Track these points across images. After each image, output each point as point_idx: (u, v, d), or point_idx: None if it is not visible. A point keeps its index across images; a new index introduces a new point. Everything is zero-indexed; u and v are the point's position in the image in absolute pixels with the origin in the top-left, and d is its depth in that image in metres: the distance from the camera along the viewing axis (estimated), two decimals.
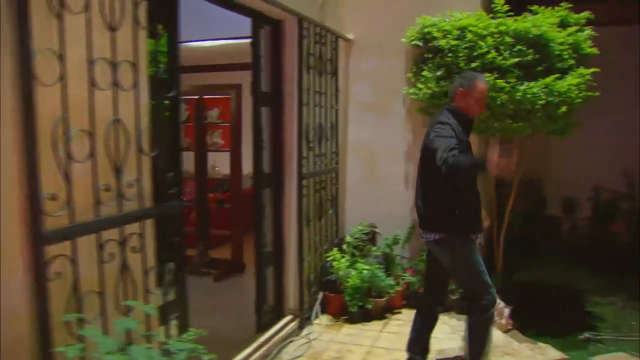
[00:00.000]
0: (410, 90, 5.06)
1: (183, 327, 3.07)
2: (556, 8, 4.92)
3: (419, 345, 3.88)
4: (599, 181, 7.80)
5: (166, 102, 2.94)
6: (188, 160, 6.55)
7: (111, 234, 2.45)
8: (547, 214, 8.08)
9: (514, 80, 4.50)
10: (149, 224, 2.73)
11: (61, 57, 2.15)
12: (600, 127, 7.44)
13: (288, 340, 4.43)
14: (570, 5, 4.94)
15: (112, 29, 2.41)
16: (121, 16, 2.46)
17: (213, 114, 6.41)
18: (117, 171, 2.47)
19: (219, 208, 6.53)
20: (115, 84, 2.44)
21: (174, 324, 3.05)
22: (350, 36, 5.52)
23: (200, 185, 6.51)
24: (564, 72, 4.66)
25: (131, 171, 2.56)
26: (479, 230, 3.65)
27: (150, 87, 2.71)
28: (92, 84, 2.31)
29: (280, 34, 4.49)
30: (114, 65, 2.42)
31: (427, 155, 3.42)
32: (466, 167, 3.13)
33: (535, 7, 4.96)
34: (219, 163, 6.57)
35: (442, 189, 3.46)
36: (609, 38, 7.15)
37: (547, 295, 5.76)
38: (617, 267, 6.54)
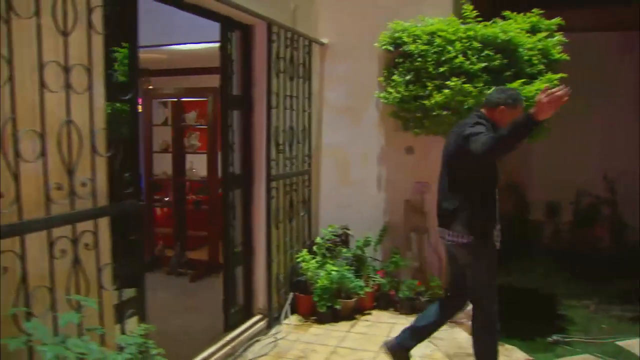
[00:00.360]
0: (381, 94, 5.14)
1: (142, 324, 3.14)
2: (528, 14, 5.02)
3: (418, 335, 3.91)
4: (582, 186, 7.92)
5: (124, 104, 3.01)
6: (167, 162, 6.65)
7: (64, 231, 2.52)
8: (530, 218, 8.19)
9: (481, 84, 4.57)
10: (104, 222, 2.80)
11: (9, 61, 2.22)
12: (584, 132, 7.58)
13: (255, 339, 4.50)
14: (542, 12, 5.03)
15: (65, 33, 2.49)
16: (75, 21, 2.54)
17: (191, 116, 6.49)
18: (70, 171, 2.55)
19: (196, 209, 6.61)
20: (68, 87, 2.52)
21: (132, 320, 3.11)
22: (324, 40, 5.60)
23: (178, 186, 6.59)
24: (533, 77, 4.73)
25: (85, 171, 2.64)
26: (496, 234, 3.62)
27: (106, 90, 2.79)
28: (43, 86, 2.39)
29: (250, 39, 4.57)
30: (66, 69, 2.50)
31: (454, 159, 3.53)
32: (508, 134, 3.01)
33: (507, 13, 5.04)
34: (197, 165, 6.64)
35: (468, 192, 3.47)
36: (593, 44, 7.34)
37: (522, 298, 5.84)
38: (596, 271, 6.65)
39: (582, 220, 8.10)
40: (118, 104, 3.10)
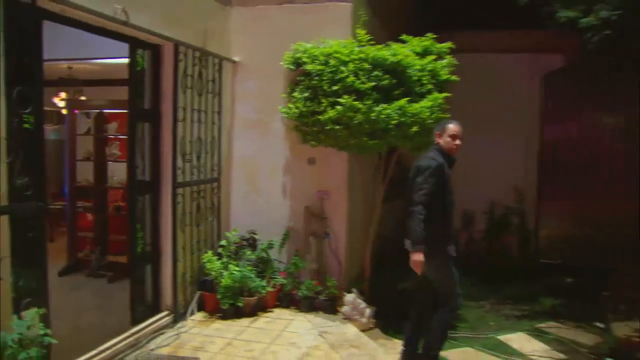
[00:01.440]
0: (284, 109, 5.61)
1: (44, 317, 3.48)
2: (422, 38, 5.57)
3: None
4: (495, 196, 8.53)
5: (28, 116, 3.38)
6: (90, 170, 6.98)
7: None
8: None
9: (370, 102, 5.04)
10: (4, 220, 3.17)
11: None
12: (497, 146, 8.19)
13: (159, 333, 4.89)
14: (435, 36, 5.59)
15: None
16: None
17: (112, 127, 6.83)
18: None
19: (116, 214, 6.93)
20: None
21: (32, 312, 3.44)
22: (236, 58, 6.05)
23: (100, 193, 6.91)
24: (422, 96, 5.26)
25: None
26: (452, 244, 4.37)
27: (7, 103, 3.17)
28: None
29: (159, 57, 4.98)
30: None
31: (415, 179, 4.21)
32: (413, 229, 4.02)
33: (404, 37, 5.59)
34: (117, 173, 6.97)
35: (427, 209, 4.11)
36: (505, 64, 7.99)
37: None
38: (499, 276, 7.25)
39: (493, 229, 8.72)
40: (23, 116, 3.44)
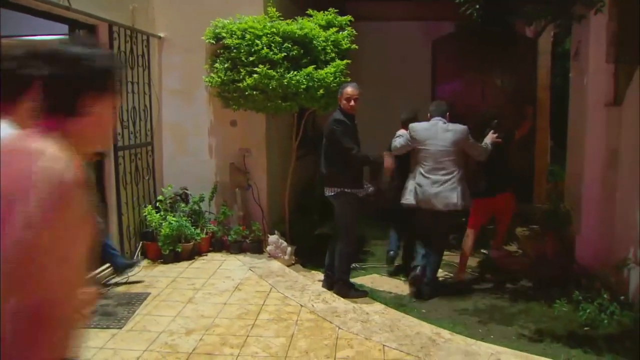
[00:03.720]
0: (207, 79, 6.36)
1: None
2: (326, 12, 6.41)
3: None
4: None
5: None
6: None
7: None
8: None
9: (282, 70, 5.86)
10: None
11: None
12: (397, 104, 9.08)
13: (110, 278, 5.63)
14: (337, 10, 6.45)
15: None
16: None
17: None
18: None
19: None
20: None
21: None
22: (161, 34, 6.72)
23: None
24: (327, 63, 6.11)
25: None
26: (362, 188, 5.40)
27: None
28: None
29: (95, 36, 5.61)
30: None
31: (331, 138, 5.29)
32: (361, 160, 5.34)
33: (310, 11, 6.44)
34: None
35: (337, 159, 5.28)
36: (402, 31, 8.87)
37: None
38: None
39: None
40: None
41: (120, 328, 4.46)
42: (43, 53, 1.44)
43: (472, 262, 6.40)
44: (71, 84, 1.43)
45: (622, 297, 4.76)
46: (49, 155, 1.30)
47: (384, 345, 4.17)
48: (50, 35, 6.66)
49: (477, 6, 5.52)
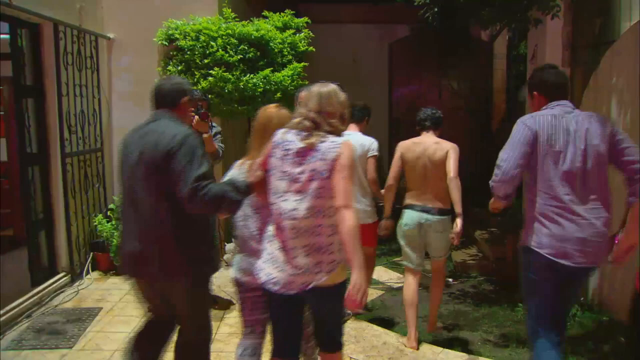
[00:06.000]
0: None
1: None
2: (282, 13, 6.24)
3: None
4: None
5: None
6: None
7: None
8: None
9: (238, 72, 5.66)
10: None
11: None
12: None
13: (60, 291, 5.34)
14: (293, 12, 6.29)
15: None
16: None
17: None
18: None
19: None
20: None
21: None
22: (110, 35, 6.43)
23: None
24: (284, 65, 5.95)
25: None
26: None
27: None
28: None
29: (39, 36, 5.32)
30: None
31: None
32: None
33: (266, 13, 6.26)
34: None
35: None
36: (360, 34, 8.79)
37: None
38: None
39: None
40: None
41: (71, 347, 4.19)
42: None
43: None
44: None
45: (581, 299, 4.78)
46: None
47: (350, 357, 4.04)
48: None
49: (436, 9, 5.49)
